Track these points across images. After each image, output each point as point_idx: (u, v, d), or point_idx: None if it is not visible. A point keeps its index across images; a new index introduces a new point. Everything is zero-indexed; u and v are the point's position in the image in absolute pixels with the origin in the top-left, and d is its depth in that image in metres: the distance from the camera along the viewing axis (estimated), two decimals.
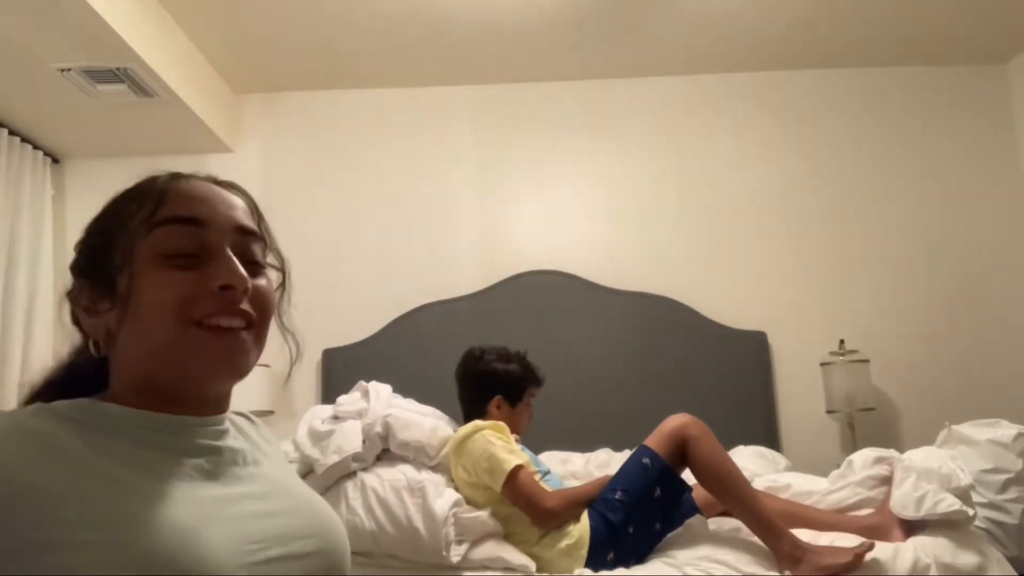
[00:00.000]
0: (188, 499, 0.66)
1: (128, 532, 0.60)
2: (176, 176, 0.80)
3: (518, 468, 2.00)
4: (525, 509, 2.00)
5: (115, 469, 0.65)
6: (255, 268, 0.78)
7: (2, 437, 0.62)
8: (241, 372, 0.74)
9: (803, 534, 1.92)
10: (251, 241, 0.79)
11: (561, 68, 3.60)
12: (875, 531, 2.00)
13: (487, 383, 2.31)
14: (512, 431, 2.21)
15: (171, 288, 0.71)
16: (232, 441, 0.77)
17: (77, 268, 0.79)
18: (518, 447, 2.15)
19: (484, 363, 2.33)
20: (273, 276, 0.84)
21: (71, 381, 0.78)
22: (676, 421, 2.04)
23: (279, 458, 0.87)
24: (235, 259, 0.74)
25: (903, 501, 1.97)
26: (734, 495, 1.95)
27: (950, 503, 1.91)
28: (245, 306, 0.74)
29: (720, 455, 1.99)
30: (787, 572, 1.83)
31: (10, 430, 0.63)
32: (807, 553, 1.83)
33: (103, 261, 0.75)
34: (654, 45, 3.44)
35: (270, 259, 0.84)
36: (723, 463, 1.98)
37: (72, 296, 0.78)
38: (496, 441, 2.06)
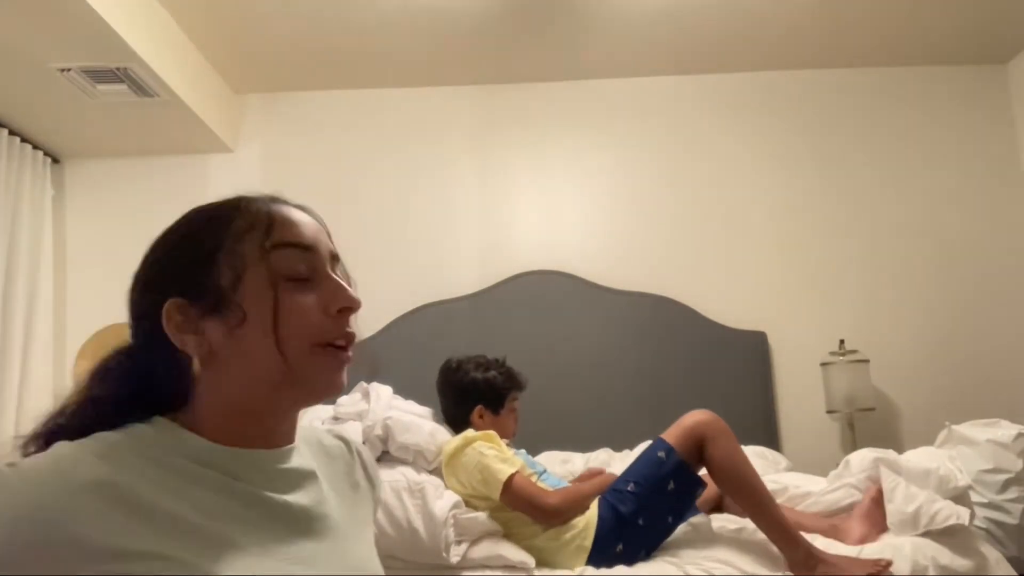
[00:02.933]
0: (223, 556, 0.66)
1: None
2: (274, 199, 0.83)
3: (512, 476, 1.98)
4: (527, 512, 1.99)
5: (178, 518, 0.66)
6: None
7: (70, 494, 0.62)
8: (344, 388, 0.79)
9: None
10: (338, 264, 0.83)
11: (561, 68, 3.60)
12: (836, 531, 1.99)
13: (467, 393, 2.27)
14: (501, 437, 2.19)
15: (297, 313, 0.75)
16: (297, 489, 0.77)
17: (161, 283, 0.76)
18: (510, 452, 2.14)
19: (462, 373, 2.29)
20: None
21: (139, 392, 0.77)
22: (696, 417, 2.01)
23: (361, 499, 0.88)
24: (343, 281, 0.79)
25: (900, 520, 1.94)
26: (750, 498, 1.93)
27: (947, 514, 1.88)
28: (351, 326, 0.78)
29: (738, 457, 1.97)
30: None
31: (76, 484, 0.63)
32: (820, 563, 1.81)
33: (205, 279, 0.75)
34: (654, 45, 3.44)
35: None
36: (741, 465, 1.95)
37: (166, 311, 0.75)
38: (488, 452, 2.04)
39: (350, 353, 0.78)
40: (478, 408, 2.26)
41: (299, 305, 0.75)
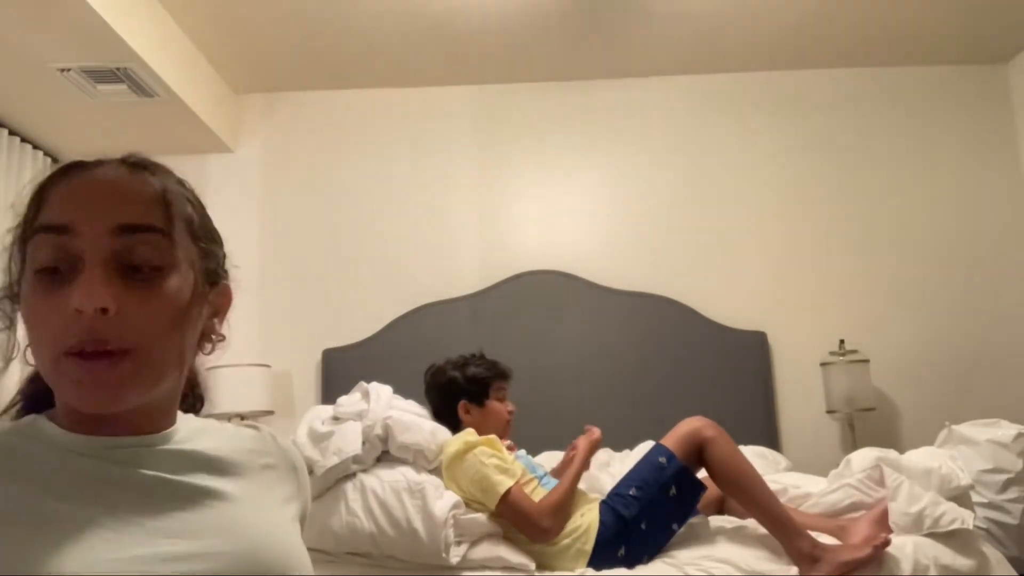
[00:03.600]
0: (89, 541, 0.61)
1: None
2: (64, 172, 0.70)
3: (509, 490, 1.98)
4: (519, 527, 1.99)
5: (26, 503, 0.61)
6: (143, 273, 0.67)
7: None
8: (115, 402, 0.65)
9: None
10: (142, 240, 0.67)
11: (562, 68, 3.60)
12: (841, 532, 2.00)
13: (449, 391, 2.30)
14: (497, 434, 2.18)
15: (40, 316, 0.65)
16: (169, 467, 0.69)
17: None
18: (512, 457, 2.13)
19: (440, 374, 2.33)
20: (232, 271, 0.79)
21: (44, 391, 0.73)
22: (693, 424, 2.05)
23: (276, 479, 0.79)
24: (94, 274, 0.64)
25: (902, 521, 1.94)
26: (751, 496, 1.96)
27: (951, 518, 1.88)
28: (110, 329, 0.63)
29: (737, 457, 2.01)
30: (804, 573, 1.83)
31: None
32: (826, 552, 1.83)
33: (13, 280, 0.71)
34: (655, 45, 3.44)
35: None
36: (740, 465, 1.99)
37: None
38: (489, 460, 2.03)
39: (114, 361, 0.64)
40: (462, 403, 2.28)
41: (40, 306, 0.65)
